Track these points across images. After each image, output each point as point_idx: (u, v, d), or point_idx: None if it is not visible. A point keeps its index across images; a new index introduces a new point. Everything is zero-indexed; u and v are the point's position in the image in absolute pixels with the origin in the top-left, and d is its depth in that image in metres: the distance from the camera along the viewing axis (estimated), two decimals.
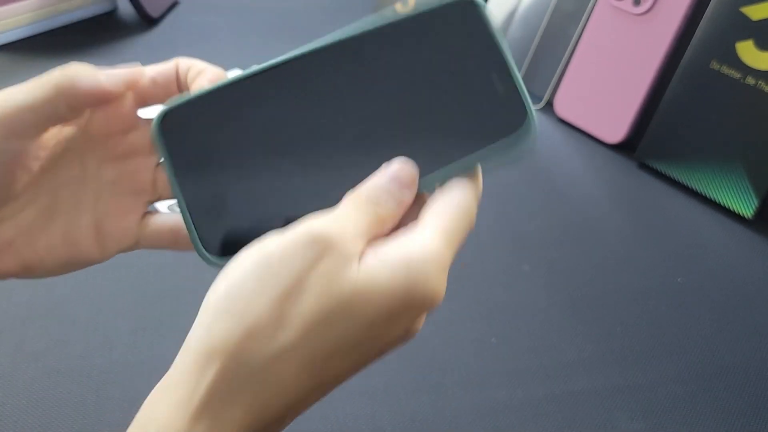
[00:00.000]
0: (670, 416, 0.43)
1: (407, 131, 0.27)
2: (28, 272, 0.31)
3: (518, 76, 0.28)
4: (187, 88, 0.32)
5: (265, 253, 0.23)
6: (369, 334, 0.24)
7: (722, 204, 0.61)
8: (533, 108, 0.28)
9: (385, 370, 0.44)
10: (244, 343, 0.22)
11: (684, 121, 0.62)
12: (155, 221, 0.32)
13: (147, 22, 0.82)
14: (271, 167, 0.27)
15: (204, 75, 0.31)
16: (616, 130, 0.67)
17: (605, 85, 0.68)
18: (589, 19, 0.68)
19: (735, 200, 0.60)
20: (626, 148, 0.67)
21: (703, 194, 0.62)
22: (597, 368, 0.46)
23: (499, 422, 0.42)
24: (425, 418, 0.42)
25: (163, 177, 0.33)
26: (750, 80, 0.59)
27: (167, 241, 0.32)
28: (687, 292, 0.52)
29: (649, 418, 0.43)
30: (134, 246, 0.33)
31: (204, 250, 0.27)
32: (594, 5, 0.68)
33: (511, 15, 0.75)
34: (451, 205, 0.26)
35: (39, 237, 0.31)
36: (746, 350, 0.48)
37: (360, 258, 0.24)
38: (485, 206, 0.59)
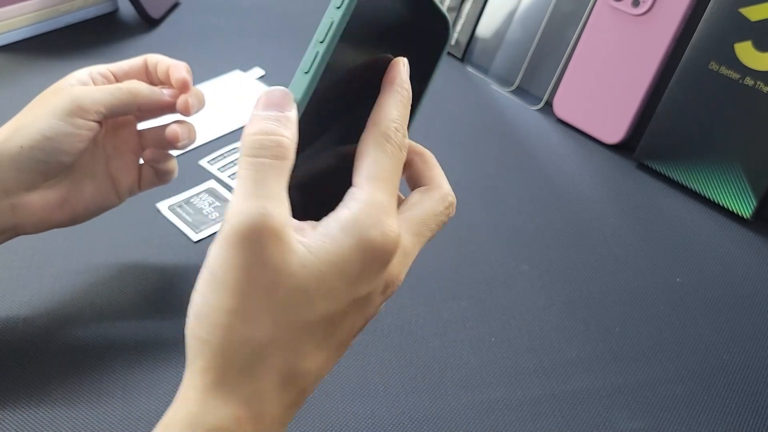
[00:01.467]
0: (670, 415, 0.43)
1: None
2: (73, 221, 0.43)
3: None
4: (159, 81, 0.45)
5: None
6: (346, 300, 0.25)
7: (721, 204, 0.61)
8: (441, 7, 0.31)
9: (385, 370, 0.44)
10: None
11: (683, 122, 0.63)
12: (146, 170, 0.46)
13: (148, 22, 0.82)
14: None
15: (177, 68, 0.43)
16: (614, 131, 0.67)
17: (604, 86, 0.68)
18: (588, 20, 0.69)
19: (733, 201, 0.60)
20: (625, 148, 0.68)
21: (702, 194, 0.62)
22: (596, 368, 0.46)
23: (498, 422, 0.42)
24: (425, 417, 0.42)
25: (146, 136, 0.46)
26: (749, 81, 0.59)
27: (155, 183, 0.47)
28: (686, 291, 0.52)
29: (649, 418, 0.43)
30: (137, 189, 0.46)
31: None
32: (593, 6, 0.68)
33: (511, 16, 0.75)
34: (370, 156, 0.27)
35: (81, 192, 0.42)
36: (745, 349, 0.48)
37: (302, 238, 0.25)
38: (484, 206, 0.59)
